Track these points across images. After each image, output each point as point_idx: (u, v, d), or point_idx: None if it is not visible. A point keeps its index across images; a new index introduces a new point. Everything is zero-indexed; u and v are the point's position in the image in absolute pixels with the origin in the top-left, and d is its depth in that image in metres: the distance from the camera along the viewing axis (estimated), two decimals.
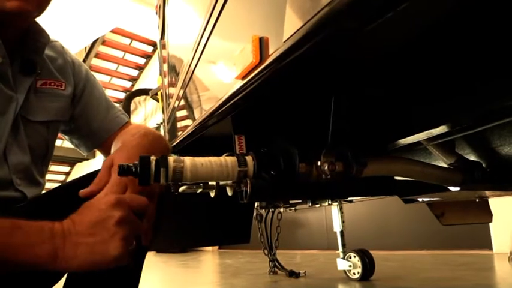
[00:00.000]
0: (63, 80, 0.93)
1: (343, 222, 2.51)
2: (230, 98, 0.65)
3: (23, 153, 0.84)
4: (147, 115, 7.40)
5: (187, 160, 0.61)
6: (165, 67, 1.60)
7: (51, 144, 0.93)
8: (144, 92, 3.89)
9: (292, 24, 0.44)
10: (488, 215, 1.64)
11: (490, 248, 3.36)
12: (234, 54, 0.61)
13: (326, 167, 0.65)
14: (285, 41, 0.45)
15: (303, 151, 0.66)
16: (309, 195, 1.28)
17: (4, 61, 0.79)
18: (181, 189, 1.09)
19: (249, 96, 0.60)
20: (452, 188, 0.87)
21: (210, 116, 0.79)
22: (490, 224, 2.96)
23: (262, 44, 0.52)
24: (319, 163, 0.65)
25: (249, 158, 0.64)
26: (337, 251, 2.53)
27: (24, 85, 0.83)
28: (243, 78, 0.57)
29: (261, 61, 0.51)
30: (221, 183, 0.88)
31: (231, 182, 0.71)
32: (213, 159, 0.63)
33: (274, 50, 0.48)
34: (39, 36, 0.86)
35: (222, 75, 0.75)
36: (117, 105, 1.06)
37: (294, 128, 0.73)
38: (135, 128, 1.00)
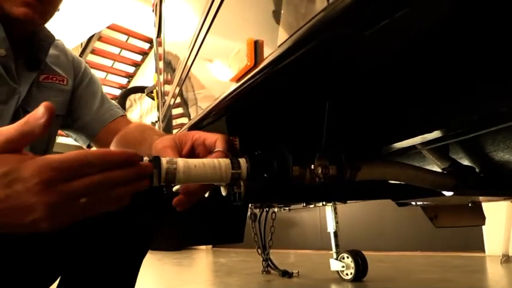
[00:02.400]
0: (65, 76, 0.95)
1: (336, 222, 2.52)
2: (224, 99, 0.65)
3: None
4: (143, 113, 7.37)
5: (180, 161, 0.60)
6: (161, 65, 1.59)
7: (52, 139, 0.94)
8: (139, 89, 3.85)
9: (287, 29, 0.43)
10: (481, 217, 1.65)
11: (483, 250, 3.38)
12: (229, 56, 0.61)
13: (320, 171, 0.64)
14: (279, 45, 0.45)
15: (297, 154, 0.65)
16: (302, 198, 1.28)
17: (7, 54, 0.80)
18: (174, 188, 1.08)
19: (243, 99, 0.59)
20: (445, 193, 0.87)
21: (204, 117, 0.78)
22: (483, 226, 2.98)
23: (257, 47, 0.51)
24: (312, 166, 0.65)
25: (242, 161, 0.64)
26: (330, 252, 2.54)
27: (27, 79, 0.85)
28: (238, 80, 0.57)
29: (256, 64, 0.51)
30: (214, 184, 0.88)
31: (224, 183, 0.71)
32: (206, 161, 0.62)
33: (269, 54, 0.47)
34: (45, 37, 0.89)
35: (217, 76, 0.75)
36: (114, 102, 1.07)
37: (288, 130, 0.73)
38: (139, 125, 0.98)
